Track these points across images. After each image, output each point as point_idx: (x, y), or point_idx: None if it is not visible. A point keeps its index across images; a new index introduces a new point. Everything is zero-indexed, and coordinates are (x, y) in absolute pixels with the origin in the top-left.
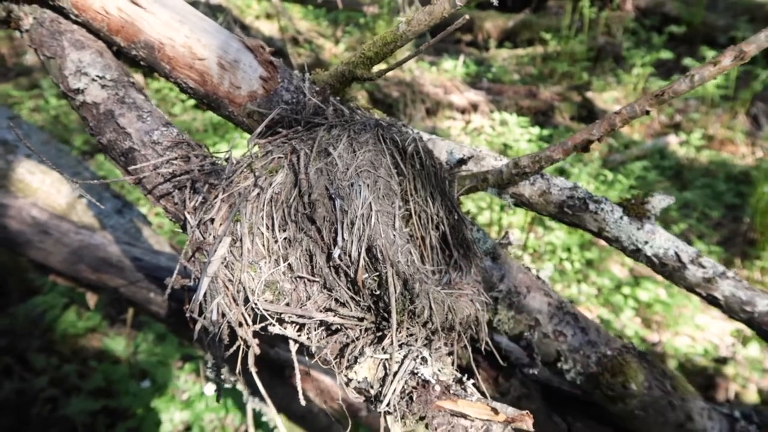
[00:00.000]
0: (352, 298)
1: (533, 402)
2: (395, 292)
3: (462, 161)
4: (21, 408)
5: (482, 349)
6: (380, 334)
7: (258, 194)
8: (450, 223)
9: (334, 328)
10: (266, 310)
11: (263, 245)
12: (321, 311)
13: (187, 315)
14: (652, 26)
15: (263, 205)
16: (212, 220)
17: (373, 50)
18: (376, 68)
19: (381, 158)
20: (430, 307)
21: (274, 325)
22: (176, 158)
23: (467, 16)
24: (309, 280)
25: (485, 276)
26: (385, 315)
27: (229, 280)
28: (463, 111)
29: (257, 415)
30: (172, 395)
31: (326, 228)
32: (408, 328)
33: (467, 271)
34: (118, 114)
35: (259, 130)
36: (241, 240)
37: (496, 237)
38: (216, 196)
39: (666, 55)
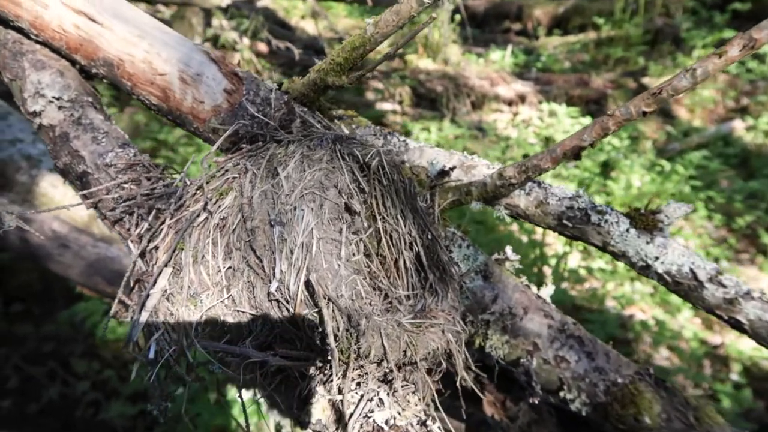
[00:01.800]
0: (296, 334)
1: (545, 427)
2: (335, 331)
3: (443, 173)
4: (65, 411)
5: (470, 370)
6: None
7: (206, 219)
8: (424, 242)
9: (277, 367)
10: (205, 348)
11: (208, 275)
12: (262, 349)
13: (126, 351)
14: (713, 4)
15: (210, 232)
16: (157, 248)
17: (342, 56)
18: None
19: (336, 176)
20: (382, 345)
21: (214, 364)
22: (127, 182)
23: (435, 15)
24: (251, 314)
25: (477, 297)
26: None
27: (171, 314)
28: (510, 103)
29: None
30: (207, 399)
31: (267, 257)
32: (360, 367)
33: (443, 296)
34: (73, 136)
35: (214, 149)
36: (183, 270)
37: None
38: (163, 222)
39: (729, 35)
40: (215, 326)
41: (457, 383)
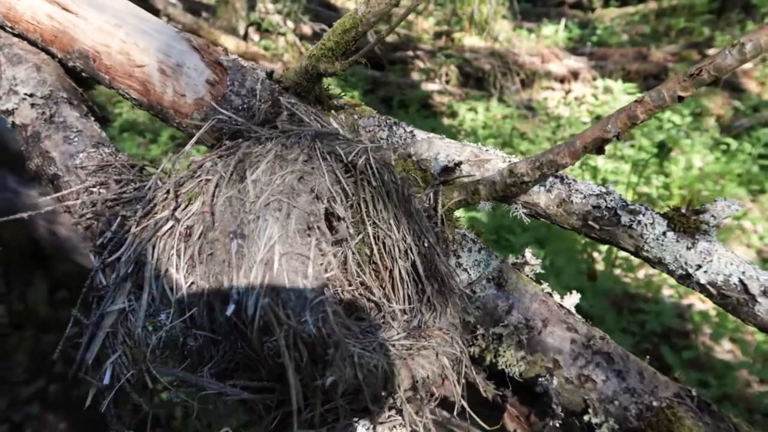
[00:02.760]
0: (259, 362)
1: None
2: (298, 362)
3: (448, 169)
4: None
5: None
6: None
7: (172, 228)
8: (420, 250)
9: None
10: (161, 375)
11: (171, 292)
12: (224, 377)
13: (80, 376)
14: None
15: (175, 242)
16: (119, 260)
17: (333, 39)
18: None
19: (315, 179)
20: (356, 376)
21: (172, 392)
22: (96, 185)
23: None
24: (212, 338)
25: (488, 308)
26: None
27: (129, 336)
28: (562, 80)
29: None
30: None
31: (226, 275)
32: (329, 401)
33: (442, 311)
34: (44, 136)
35: (188, 148)
36: (144, 286)
37: (510, 256)
38: (128, 231)
39: None
40: (175, 350)
41: (454, 413)
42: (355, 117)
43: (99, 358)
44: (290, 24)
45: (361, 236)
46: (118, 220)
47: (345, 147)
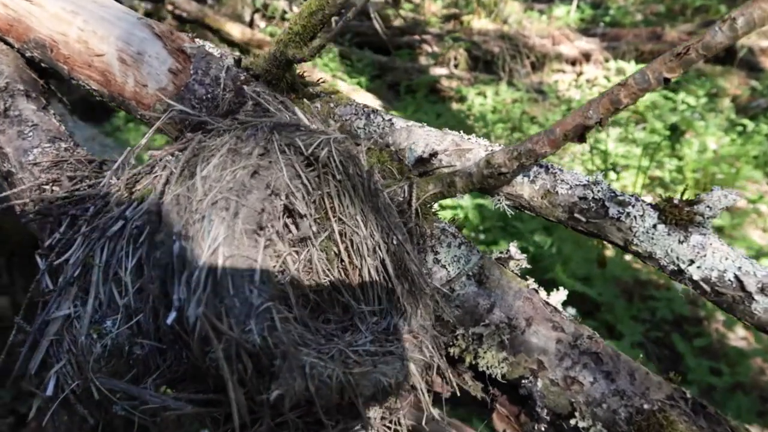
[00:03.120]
0: (206, 372)
1: None
2: (242, 375)
3: (422, 159)
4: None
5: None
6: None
7: (122, 228)
8: (390, 248)
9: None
10: (104, 386)
11: (119, 296)
12: (162, 391)
13: (24, 386)
14: None
15: (124, 243)
16: (67, 262)
17: (300, 23)
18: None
19: (271, 174)
20: (307, 388)
21: (117, 405)
22: (48, 182)
23: None
24: (157, 347)
25: (468, 307)
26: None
27: (74, 343)
28: (573, 62)
29: None
30: None
31: (170, 279)
32: (280, 415)
33: (412, 312)
34: None
35: (143, 142)
36: (90, 290)
37: (492, 251)
38: (77, 231)
39: None
40: (120, 359)
41: (423, 423)
42: (332, 105)
43: (45, 367)
44: (296, 9)
45: (327, 233)
46: (68, 219)
47: (305, 139)
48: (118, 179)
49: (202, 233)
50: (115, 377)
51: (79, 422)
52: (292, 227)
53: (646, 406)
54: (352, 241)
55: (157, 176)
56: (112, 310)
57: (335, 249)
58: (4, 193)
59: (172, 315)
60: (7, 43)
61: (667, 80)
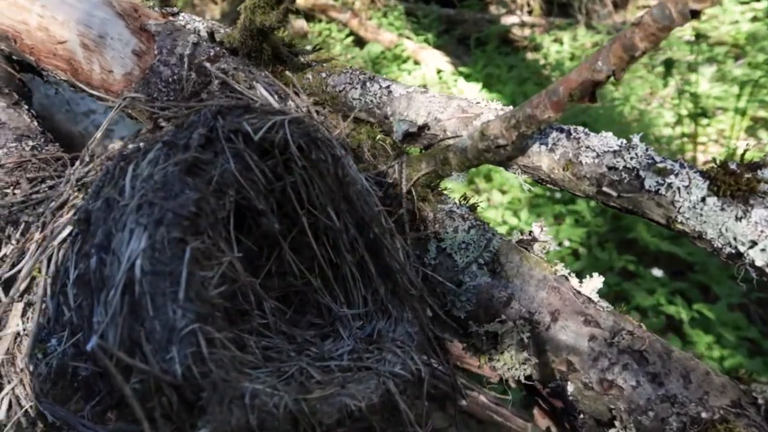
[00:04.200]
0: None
1: None
2: (166, 410)
3: (409, 135)
4: None
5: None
6: None
7: (71, 234)
8: (367, 243)
9: None
10: (47, 411)
11: (66, 311)
12: (102, 420)
13: None
14: None
15: (71, 252)
16: (19, 273)
17: None
18: None
19: (212, 168)
20: (247, 421)
21: (65, 431)
22: (8, 185)
23: None
24: (96, 370)
25: (481, 301)
26: None
27: (23, 362)
28: None
29: None
30: None
31: (94, 297)
32: None
33: (398, 317)
34: None
35: (98, 134)
36: (36, 305)
37: (513, 233)
38: (29, 239)
39: None
40: (65, 381)
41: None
42: (324, 75)
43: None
44: None
45: (298, 229)
46: (22, 226)
47: (255, 122)
48: (71, 182)
49: (122, 245)
50: (61, 400)
51: None
52: (249, 227)
53: (704, 415)
54: (327, 236)
55: (94, 176)
56: (60, 327)
57: (309, 246)
58: None
59: (92, 340)
60: None
61: (695, 13)
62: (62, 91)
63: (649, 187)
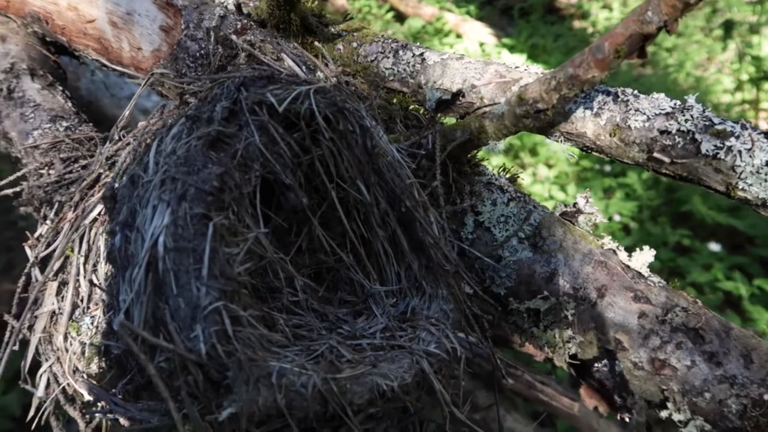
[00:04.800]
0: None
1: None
2: (193, 389)
3: (443, 103)
4: None
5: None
6: None
7: (101, 212)
8: (399, 217)
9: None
10: (82, 389)
11: (99, 289)
12: (139, 396)
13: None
14: None
15: (100, 231)
16: (54, 253)
17: None
18: None
19: (237, 142)
20: (275, 401)
21: (97, 407)
22: (43, 166)
23: None
24: (122, 347)
25: (521, 276)
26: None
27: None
28: None
29: None
30: None
31: (120, 274)
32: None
33: (432, 293)
34: (4, 115)
35: (125, 112)
36: (69, 284)
37: (557, 205)
38: (63, 218)
39: None
40: (100, 359)
41: (446, 428)
42: (355, 45)
43: (38, 365)
44: None
45: (327, 203)
46: (56, 206)
47: (279, 93)
48: (103, 157)
49: (146, 221)
50: (96, 378)
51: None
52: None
53: (766, 397)
54: (358, 210)
55: (122, 153)
56: (93, 305)
57: (340, 221)
58: (6, 180)
59: (119, 318)
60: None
61: None
62: (104, 76)
63: (707, 151)
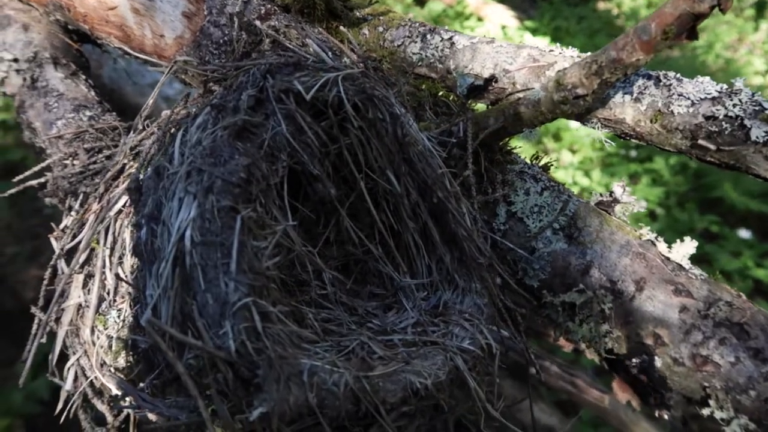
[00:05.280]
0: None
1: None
2: (223, 387)
3: (474, 89)
4: None
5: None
6: None
7: (127, 203)
8: (430, 208)
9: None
10: (109, 383)
11: (125, 282)
12: (166, 392)
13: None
14: None
15: (126, 223)
16: (79, 245)
17: None
18: None
19: (263, 131)
20: (306, 399)
21: (125, 401)
22: (67, 157)
23: None
24: (149, 342)
25: (556, 269)
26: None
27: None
28: None
29: None
30: None
31: (147, 269)
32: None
33: (466, 286)
34: (28, 105)
35: (149, 101)
36: (95, 276)
37: (593, 195)
38: (88, 210)
39: None
40: (127, 353)
41: (481, 426)
42: (380, 29)
43: (65, 358)
44: None
45: (355, 194)
46: (81, 197)
47: (306, 80)
48: (127, 148)
49: (172, 214)
50: (123, 372)
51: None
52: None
53: None
54: (387, 201)
55: (146, 144)
56: (120, 298)
57: (368, 212)
58: (30, 171)
59: (146, 314)
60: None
61: None
62: (126, 64)
63: (756, 137)
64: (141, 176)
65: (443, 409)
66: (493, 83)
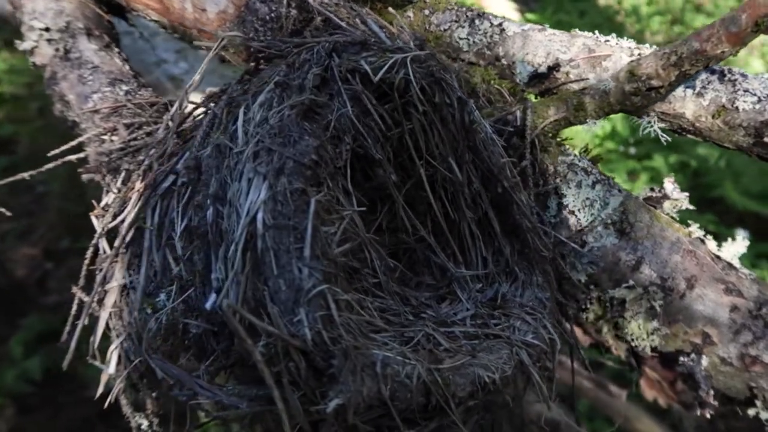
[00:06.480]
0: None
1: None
2: (295, 377)
3: (538, 75)
4: None
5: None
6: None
7: (173, 183)
8: (493, 198)
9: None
10: (159, 368)
11: (173, 264)
12: (214, 385)
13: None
14: None
15: (175, 203)
16: (122, 224)
17: None
18: None
19: (328, 112)
20: (379, 392)
21: (175, 389)
22: (106, 132)
23: None
24: (205, 327)
25: (607, 264)
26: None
27: (132, 316)
28: None
29: None
30: None
31: (212, 251)
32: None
33: (526, 279)
34: (60, 77)
35: (196, 77)
36: (141, 257)
37: (642, 189)
38: (132, 188)
39: None
40: (176, 337)
41: (542, 421)
42: (426, 13)
43: (108, 340)
44: None
45: (412, 181)
46: (123, 174)
47: (375, 60)
48: (174, 125)
49: (240, 195)
50: (171, 358)
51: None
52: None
53: None
54: (446, 189)
55: (202, 120)
56: (167, 280)
57: (425, 199)
58: (65, 146)
59: (211, 298)
60: None
61: None
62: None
63: None
64: (198, 154)
65: (507, 403)
66: (555, 71)
